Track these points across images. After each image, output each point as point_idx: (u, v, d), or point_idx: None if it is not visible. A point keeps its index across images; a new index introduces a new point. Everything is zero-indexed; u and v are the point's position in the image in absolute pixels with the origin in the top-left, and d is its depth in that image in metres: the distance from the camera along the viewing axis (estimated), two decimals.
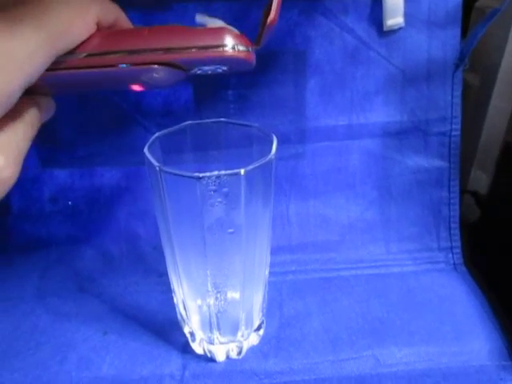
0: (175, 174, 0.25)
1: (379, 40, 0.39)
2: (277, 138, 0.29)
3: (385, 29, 0.38)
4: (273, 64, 0.40)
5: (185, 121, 0.32)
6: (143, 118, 0.41)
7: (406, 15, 0.38)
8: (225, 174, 0.25)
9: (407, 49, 0.39)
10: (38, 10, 0.22)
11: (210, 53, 0.24)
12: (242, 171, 0.25)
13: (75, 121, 0.41)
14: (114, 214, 0.44)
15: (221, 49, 0.24)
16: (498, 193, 0.47)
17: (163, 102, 0.40)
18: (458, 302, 0.39)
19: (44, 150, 0.42)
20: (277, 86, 0.40)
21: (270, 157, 0.27)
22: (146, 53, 0.24)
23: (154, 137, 0.29)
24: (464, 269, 0.42)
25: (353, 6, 0.38)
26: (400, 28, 0.39)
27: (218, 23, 0.26)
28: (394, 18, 0.38)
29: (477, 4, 0.52)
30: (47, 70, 0.23)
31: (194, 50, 0.24)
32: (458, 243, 0.43)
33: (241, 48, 0.25)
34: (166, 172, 0.25)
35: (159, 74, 0.25)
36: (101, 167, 0.43)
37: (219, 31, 0.25)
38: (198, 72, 0.27)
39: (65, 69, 0.24)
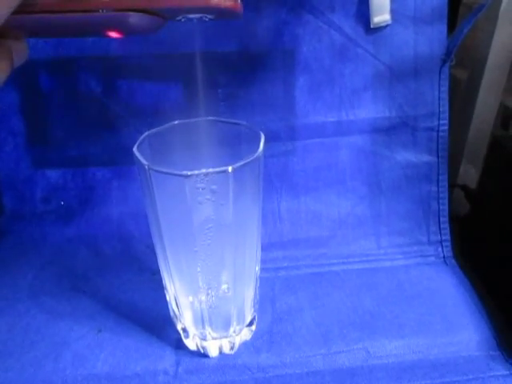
0: (164, 173, 0.25)
1: (366, 37, 0.40)
2: (267, 135, 0.29)
3: (372, 26, 0.39)
4: (262, 62, 0.40)
5: (175, 120, 0.32)
6: (133, 117, 0.41)
7: (393, 12, 0.39)
8: (213, 172, 0.25)
9: (394, 45, 0.40)
10: None
11: (194, 1, 0.23)
12: (230, 168, 0.25)
13: (66, 122, 0.42)
14: (106, 213, 0.44)
15: None
16: (487, 186, 0.47)
17: (153, 101, 0.41)
18: (447, 294, 0.39)
19: (35, 150, 0.43)
20: (266, 83, 0.41)
21: (257, 154, 0.27)
22: None
23: (143, 136, 0.30)
24: (453, 262, 0.43)
25: (340, 4, 0.39)
26: (387, 25, 0.39)
27: None
28: (381, 15, 0.39)
29: (464, 0, 0.52)
30: (16, 13, 0.21)
31: None
32: (448, 237, 0.44)
33: None
34: (155, 171, 0.26)
35: (137, 21, 0.23)
36: (92, 167, 0.43)
37: None
38: (183, 20, 0.25)
39: (35, 12, 0.22)
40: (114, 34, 0.26)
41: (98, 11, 0.22)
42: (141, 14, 0.23)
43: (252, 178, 0.28)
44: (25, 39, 0.25)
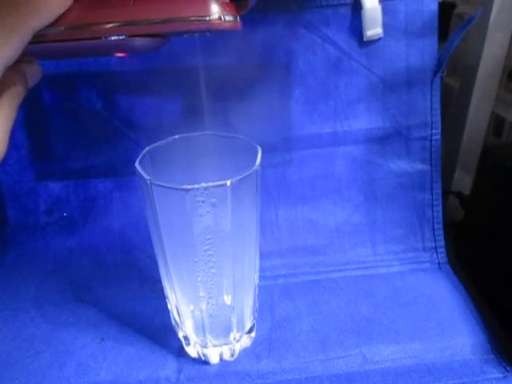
0: (165, 187, 0.26)
1: (360, 50, 0.41)
2: (264, 146, 0.30)
3: (365, 39, 0.40)
4: (259, 75, 0.41)
5: (174, 134, 0.33)
6: (133, 131, 0.42)
7: (385, 26, 0.40)
8: (212, 186, 0.26)
9: (387, 58, 0.41)
10: None
11: (196, 24, 0.24)
12: (228, 182, 0.26)
13: (68, 135, 0.43)
14: (108, 224, 0.45)
15: (207, 18, 0.24)
16: (481, 193, 0.48)
17: (152, 115, 0.42)
18: (442, 299, 0.40)
19: (38, 163, 0.44)
20: (263, 96, 0.41)
21: (255, 167, 0.28)
22: (128, 26, 0.24)
23: (144, 151, 0.31)
24: (448, 268, 0.44)
25: (334, 19, 0.40)
26: (379, 38, 0.40)
27: None
28: (374, 29, 0.40)
29: (456, 10, 0.54)
30: (29, 43, 0.22)
31: (178, 22, 0.24)
32: (442, 243, 0.45)
33: (227, 18, 0.24)
34: (157, 185, 0.26)
35: (142, 43, 0.25)
36: (94, 179, 0.44)
37: (204, 1, 0.24)
38: (184, 36, 0.28)
39: (44, 42, 0.24)
40: (120, 54, 0.28)
41: (104, 38, 0.24)
42: (146, 37, 0.24)
43: (250, 190, 0.29)
44: (37, 62, 0.26)
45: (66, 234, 0.45)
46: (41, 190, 0.44)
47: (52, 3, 0.23)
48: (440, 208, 0.44)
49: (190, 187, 0.26)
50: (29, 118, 0.43)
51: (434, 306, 0.39)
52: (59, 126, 0.43)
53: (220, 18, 0.24)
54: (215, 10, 0.24)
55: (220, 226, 0.28)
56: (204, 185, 0.26)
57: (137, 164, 0.28)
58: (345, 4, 0.40)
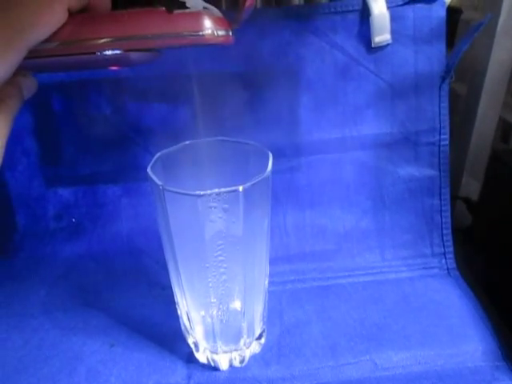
0: (177, 193, 0.26)
1: (368, 56, 0.41)
2: (272, 152, 0.31)
3: (373, 45, 0.40)
4: (267, 81, 0.41)
5: (182, 139, 0.33)
6: (141, 137, 0.42)
7: (393, 32, 0.40)
8: (224, 192, 0.26)
9: (395, 64, 0.41)
10: (3, 6, 0.22)
11: (189, 39, 0.25)
12: (241, 188, 0.26)
13: (77, 141, 0.43)
14: (116, 230, 0.45)
15: (200, 33, 0.24)
16: (489, 198, 0.48)
17: (160, 121, 0.42)
18: (451, 305, 0.40)
19: (48, 169, 0.44)
20: (271, 102, 0.42)
21: (266, 173, 0.28)
22: (122, 41, 0.24)
23: (156, 156, 0.31)
24: (457, 273, 0.44)
25: (342, 25, 0.40)
26: (387, 44, 0.40)
27: (198, 2, 0.25)
28: (382, 35, 0.40)
29: (462, 16, 0.54)
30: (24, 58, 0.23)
31: (172, 38, 0.24)
32: (451, 249, 0.44)
33: (220, 33, 0.25)
34: (169, 191, 0.27)
35: (136, 57, 0.26)
36: (103, 185, 0.44)
37: (197, 16, 0.24)
38: (178, 49, 0.28)
39: (39, 57, 0.24)
40: (114, 67, 0.28)
41: (98, 53, 0.24)
42: (140, 52, 0.25)
43: (261, 195, 0.29)
44: (32, 75, 0.27)
45: (75, 240, 0.45)
46: (50, 195, 0.45)
47: (47, 19, 0.23)
48: (448, 213, 0.44)
49: (202, 193, 0.26)
50: (39, 125, 0.43)
51: (443, 312, 0.39)
52: (68, 133, 0.43)
53: (213, 33, 0.25)
54: (208, 26, 0.24)
55: (231, 232, 0.28)
56: (216, 190, 0.26)
57: (149, 170, 0.29)
58: (353, 10, 0.40)
